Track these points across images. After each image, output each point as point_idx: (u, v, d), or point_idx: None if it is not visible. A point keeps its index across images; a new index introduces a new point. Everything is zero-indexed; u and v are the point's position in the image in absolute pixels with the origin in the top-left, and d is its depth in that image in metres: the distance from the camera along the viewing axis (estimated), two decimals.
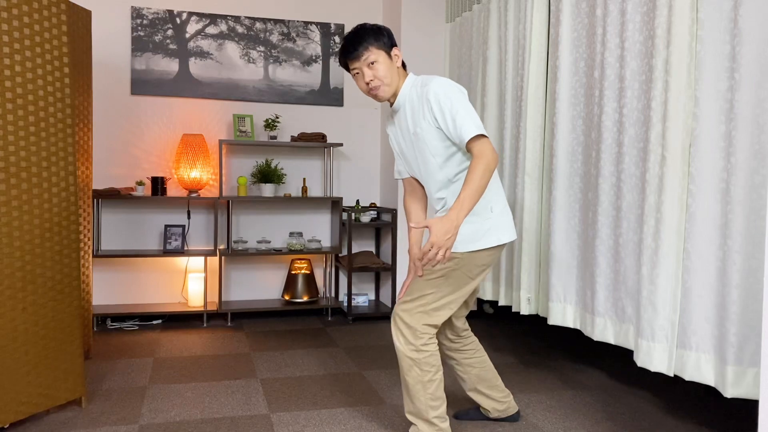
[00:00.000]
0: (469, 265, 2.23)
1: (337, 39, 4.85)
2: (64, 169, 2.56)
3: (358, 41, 2.18)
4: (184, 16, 4.53)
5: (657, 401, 2.94)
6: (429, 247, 1.96)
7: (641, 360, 2.41)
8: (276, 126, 4.58)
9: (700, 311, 2.24)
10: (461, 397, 2.92)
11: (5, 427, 2.43)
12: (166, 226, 4.47)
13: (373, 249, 4.99)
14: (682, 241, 2.30)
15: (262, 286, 4.77)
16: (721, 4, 2.17)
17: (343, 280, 4.90)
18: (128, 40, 4.44)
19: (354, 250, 4.89)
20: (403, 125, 2.30)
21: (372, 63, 2.19)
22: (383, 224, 4.62)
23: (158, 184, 4.31)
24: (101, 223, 4.43)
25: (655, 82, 2.38)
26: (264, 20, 4.70)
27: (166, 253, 4.34)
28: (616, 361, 3.57)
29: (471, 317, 4.47)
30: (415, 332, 2.20)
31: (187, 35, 4.54)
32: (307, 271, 4.60)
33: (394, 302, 4.54)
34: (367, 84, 2.21)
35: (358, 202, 4.76)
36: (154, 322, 4.41)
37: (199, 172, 4.38)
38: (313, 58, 4.80)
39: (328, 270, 4.86)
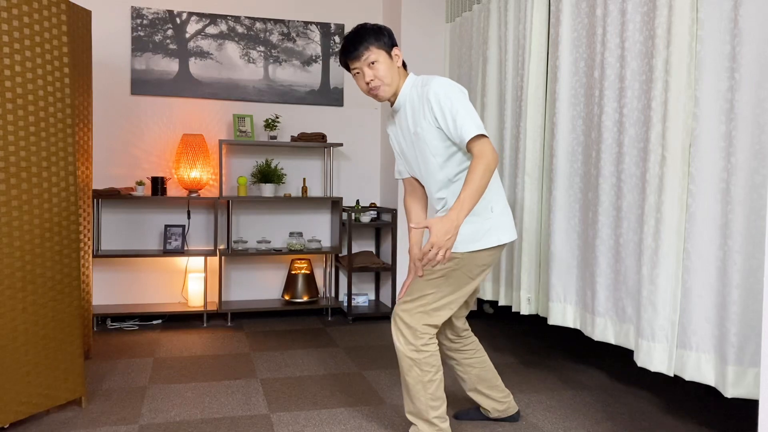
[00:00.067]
0: (469, 265, 2.23)
1: (337, 39, 4.85)
2: (64, 169, 2.56)
3: (358, 41, 2.18)
4: (184, 16, 4.53)
5: (657, 401, 2.94)
6: (429, 248, 1.96)
7: (641, 360, 2.41)
8: (276, 126, 4.58)
9: (701, 311, 2.24)
10: (461, 397, 2.92)
11: (5, 427, 2.43)
12: (166, 226, 4.47)
13: (373, 249, 4.99)
14: (682, 241, 2.30)
15: (262, 286, 4.77)
16: (721, 4, 2.17)
17: (343, 280, 4.90)
18: (128, 40, 4.44)
19: (354, 250, 4.89)
20: (403, 125, 2.30)
21: (372, 63, 2.19)
22: (383, 224, 4.62)
23: (158, 184, 4.31)
24: (101, 223, 4.43)
25: (656, 82, 2.38)
26: (264, 20, 4.70)
27: (166, 253, 4.34)
28: (616, 361, 3.57)
29: (471, 317, 4.47)
30: (416, 332, 2.20)
31: (187, 35, 4.54)
32: (307, 271, 4.60)
33: (394, 302, 4.54)
34: (368, 84, 2.21)
35: (358, 202, 4.76)
36: (154, 322, 4.41)
37: (199, 172, 4.38)
38: (313, 58, 4.80)
39: (328, 270, 4.86)
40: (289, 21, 4.75)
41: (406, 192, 2.50)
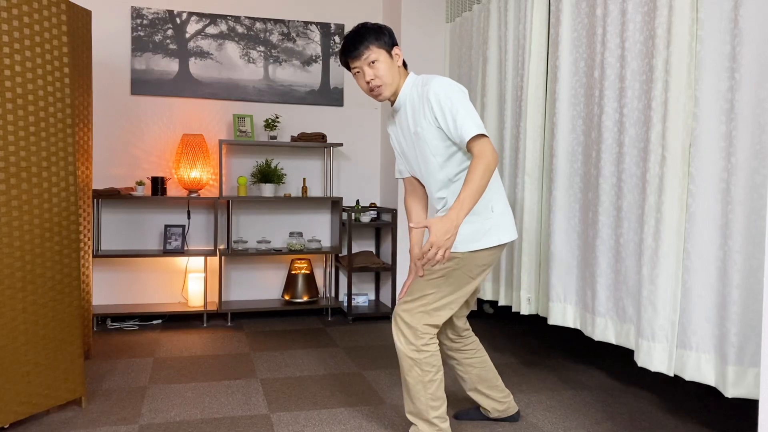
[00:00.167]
0: (469, 264, 2.23)
1: (337, 39, 4.85)
2: (64, 169, 2.56)
3: (359, 40, 2.19)
4: (184, 16, 4.53)
5: (657, 401, 2.94)
6: (428, 247, 1.96)
7: (642, 360, 2.41)
8: (276, 126, 4.58)
9: (701, 311, 2.24)
10: (461, 397, 2.92)
11: (5, 427, 2.43)
12: (166, 226, 4.47)
13: (373, 249, 4.99)
14: (683, 241, 2.30)
15: (262, 286, 4.77)
16: (721, 4, 2.17)
17: (343, 280, 4.90)
18: (128, 40, 4.44)
19: (354, 250, 4.89)
20: (403, 125, 2.30)
21: (373, 62, 2.19)
22: (383, 224, 4.62)
23: (158, 184, 4.31)
24: (101, 223, 4.43)
25: (656, 82, 2.38)
26: (264, 20, 4.70)
27: (166, 253, 4.34)
28: (616, 361, 3.57)
29: (471, 317, 4.47)
30: (416, 332, 2.20)
31: (187, 35, 4.54)
32: (307, 271, 4.60)
33: (394, 302, 4.54)
34: (368, 83, 2.21)
35: (358, 202, 4.76)
36: (154, 322, 4.41)
37: (199, 172, 4.38)
38: (313, 58, 4.80)
39: (328, 270, 4.86)
40: (289, 21, 4.75)
41: (406, 192, 2.50)
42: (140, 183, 4.32)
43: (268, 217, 4.76)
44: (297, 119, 4.80)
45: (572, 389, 3.07)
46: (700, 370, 2.24)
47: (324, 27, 4.82)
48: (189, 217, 4.59)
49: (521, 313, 3.29)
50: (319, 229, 4.88)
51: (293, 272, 4.59)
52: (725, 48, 2.16)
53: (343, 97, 4.88)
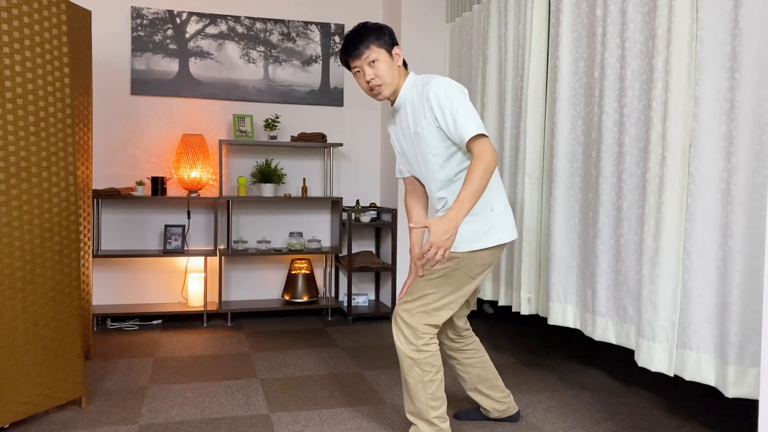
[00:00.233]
0: (469, 264, 2.22)
1: (337, 39, 4.85)
2: (64, 169, 2.56)
3: (359, 39, 2.19)
4: (184, 16, 4.53)
5: (657, 401, 2.94)
6: (428, 247, 1.96)
7: (642, 360, 2.41)
8: (276, 126, 4.58)
9: (701, 311, 2.24)
10: (461, 397, 2.91)
11: (5, 427, 2.43)
12: (166, 226, 4.47)
13: (373, 249, 4.99)
14: (683, 241, 2.30)
15: (262, 286, 4.77)
16: (721, 4, 2.17)
17: (343, 280, 4.90)
18: (128, 40, 4.44)
19: (354, 250, 4.89)
20: (404, 124, 2.30)
21: (373, 61, 2.19)
22: (383, 224, 4.62)
23: (158, 184, 4.31)
24: (101, 223, 4.43)
25: (656, 82, 2.38)
26: (264, 20, 4.70)
27: (166, 253, 4.34)
28: (616, 361, 3.57)
29: (471, 317, 4.47)
30: (416, 332, 2.20)
31: (187, 35, 4.54)
32: (307, 271, 4.60)
33: (394, 302, 4.54)
34: (368, 82, 2.21)
35: (358, 202, 4.75)
36: (154, 322, 4.41)
37: (199, 172, 4.38)
38: (313, 58, 4.80)
39: (328, 270, 4.86)
40: (289, 21, 4.75)
41: (406, 191, 2.50)
42: (140, 183, 4.32)
43: (268, 217, 4.76)
44: (297, 119, 4.80)
45: (572, 389, 3.07)
46: (701, 370, 2.24)
47: (324, 27, 4.82)
48: (189, 217, 4.59)
49: (521, 313, 3.29)
50: (319, 229, 4.88)
51: (293, 272, 4.59)
52: (725, 48, 2.16)
53: (343, 97, 4.88)
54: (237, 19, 4.64)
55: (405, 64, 2.30)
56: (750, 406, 2.90)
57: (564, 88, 2.97)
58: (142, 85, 4.46)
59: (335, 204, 4.67)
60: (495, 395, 2.56)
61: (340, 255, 4.73)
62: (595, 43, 2.77)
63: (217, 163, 4.58)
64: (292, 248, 4.53)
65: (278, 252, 4.45)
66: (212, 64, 4.60)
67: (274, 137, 4.57)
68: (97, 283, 4.44)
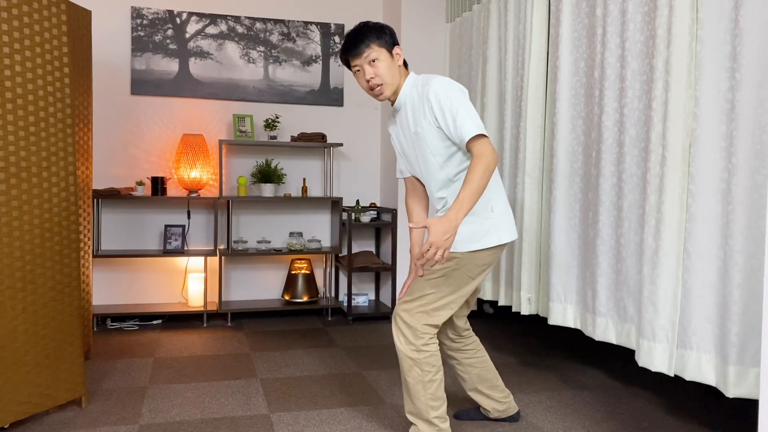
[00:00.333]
0: (469, 264, 2.22)
1: (337, 39, 4.85)
2: (64, 169, 2.56)
3: (360, 39, 2.19)
4: (184, 16, 4.53)
5: (657, 401, 2.94)
6: (427, 247, 1.96)
7: (642, 360, 2.41)
8: (276, 126, 4.58)
9: (701, 311, 2.24)
10: (461, 397, 2.91)
11: (5, 427, 2.43)
12: (166, 226, 4.47)
13: (373, 249, 4.99)
14: (683, 240, 2.30)
15: (262, 286, 4.77)
16: (721, 4, 2.17)
17: (343, 280, 4.90)
18: (128, 40, 4.44)
19: (354, 250, 4.89)
20: (404, 124, 2.29)
21: (373, 61, 2.18)
22: (383, 224, 4.62)
23: (158, 184, 4.31)
24: (101, 223, 4.43)
25: (656, 82, 2.38)
26: (264, 20, 4.70)
27: (166, 253, 4.34)
28: (617, 361, 3.57)
29: (471, 317, 4.47)
30: (416, 332, 2.20)
31: (187, 35, 4.54)
32: (307, 271, 4.60)
33: (394, 302, 4.54)
34: (368, 81, 2.21)
35: (358, 202, 4.75)
36: (154, 322, 4.41)
37: (199, 172, 4.38)
38: (313, 58, 4.80)
39: (328, 270, 4.86)
40: (289, 21, 4.75)
41: (407, 191, 2.50)
42: (140, 183, 4.32)
43: (268, 217, 4.76)
44: (297, 119, 4.80)
45: (572, 389, 3.07)
46: (701, 370, 2.24)
47: (324, 27, 4.82)
48: (189, 217, 4.59)
49: (521, 313, 3.29)
50: (319, 229, 4.88)
51: (293, 272, 4.59)
52: (726, 48, 2.16)
53: (343, 97, 4.88)
54: (237, 19, 4.64)
55: (405, 64, 2.30)
56: (750, 406, 2.90)
57: (564, 88, 2.97)
58: (142, 85, 4.46)
59: (335, 204, 4.67)
60: (495, 395, 2.55)
61: (340, 255, 4.73)
62: (595, 43, 2.77)
63: (217, 163, 4.58)
64: (292, 248, 4.53)
65: (278, 252, 4.45)
66: (212, 64, 4.60)
67: (274, 137, 4.57)
68: (97, 283, 4.44)
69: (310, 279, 4.60)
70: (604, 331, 2.70)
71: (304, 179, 4.66)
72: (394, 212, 4.55)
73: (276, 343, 3.87)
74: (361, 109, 4.94)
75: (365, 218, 4.64)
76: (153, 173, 4.51)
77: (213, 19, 4.59)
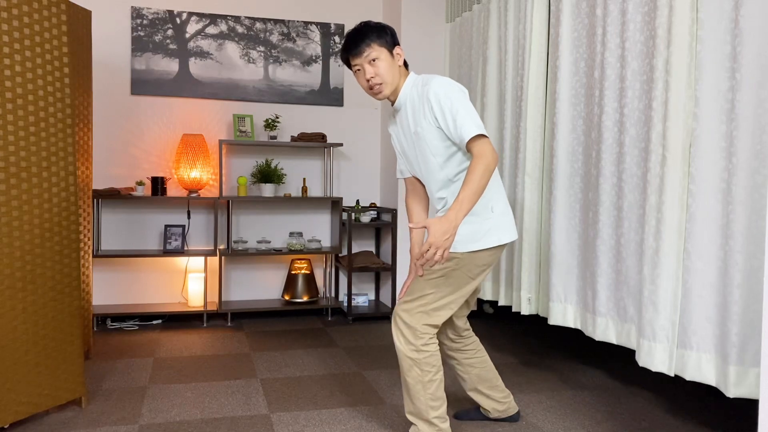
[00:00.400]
0: (469, 265, 2.22)
1: (337, 39, 4.85)
2: (64, 169, 2.56)
3: (360, 38, 2.19)
4: (184, 16, 4.53)
5: (657, 401, 2.94)
6: (427, 247, 1.96)
7: (643, 360, 2.41)
8: (276, 126, 4.58)
9: (701, 311, 2.24)
10: (461, 397, 2.91)
11: (5, 427, 2.43)
12: (166, 226, 4.47)
13: (373, 249, 4.99)
14: (683, 240, 2.30)
15: (262, 286, 4.77)
16: (721, 4, 2.17)
17: (343, 280, 4.90)
18: (128, 40, 4.44)
19: (354, 250, 4.89)
20: (404, 124, 2.29)
21: (373, 60, 2.18)
22: (383, 224, 4.62)
23: (158, 184, 4.31)
24: (101, 223, 4.43)
25: (656, 82, 2.38)
26: (264, 20, 4.70)
27: (166, 253, 4.34)
28: (617, 361, 3.57)
29: (471, 317, 4.47)
30: (416, 332, 2.20)
31: (187, 35, 4.54)
32: (307, 271, 4.60)
33: (394, 302, 4.54)
34: (368, 81, 2.21)
35: (358, 202, 4.75)
36: (154, 322, 4.41)
37: (199, 172, 4.38)
38: (313, 58, 4.80)
39: (328, 270, 4.86)
40: (289, 21, 4.75)
41: (407, 191, 2.50)
42: (140, 183, 4.32)
43: (268, 217, 4.76)
44: (297, 119, 4.80)
45: (572, 389, 3.07)
46: (701, 370, 2.24)
47: (324, 27, 4.82)
48: (189, 217, 4.59)
49: (521, 313, 3.29)
50: (319, 229, 4.88)
51: (293, 272, 4.59)
52: (726, 48, 2.15)
53: (343, 97, 4.88)
54: (237, 19, 4.64)
55: (406, 64, 2.30)
56: (750, 406, 2.90)
57: (564, 88, 2.97)
58: (142, 85, 4.46)
59: (335, 204, 4.67)
60: (495, 395, 2.55)
61: (340, 255, 4.73)
62: (595, 43, 2.77)
63: (217, 163, 4.58)
64: (292, 248, 4.53)
65: (278, 252, 4.45)
66: (212, 64, 4.60)
67: (274, 137, 4.57)
68: (97, 283, 4.44)
69: (310, 279, 4.60)
70: (605, 331, 2.70)
71: (304, 179, 4.66)
72: (394, 212, 4.55)
73: (276, 343, 3.87)
74: (361, 109, 4.94)
75: (365, 218, 4.64)
76: (153, 173, 4.51)
77: (213, 19, 4.59)
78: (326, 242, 4.89)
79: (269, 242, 4.63)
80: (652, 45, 2.41)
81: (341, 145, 4.57)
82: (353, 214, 4.64)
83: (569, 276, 2.95)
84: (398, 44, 2.25)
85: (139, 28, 4.44)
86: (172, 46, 4.51)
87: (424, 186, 2.46)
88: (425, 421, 2.24)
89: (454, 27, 4.40)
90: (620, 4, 2.60)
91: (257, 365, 3.40)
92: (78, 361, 2.66)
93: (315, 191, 4.86)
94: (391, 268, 4.55)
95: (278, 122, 4.67)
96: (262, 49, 4.69)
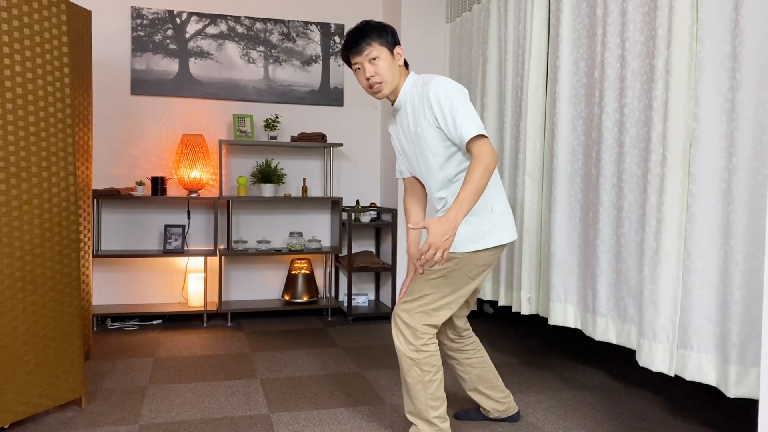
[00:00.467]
0: (469, 265, 2.22)
1: (337, 39, 4.85)
2: (64, 169, 2.56)
3: (361, 36, 2.18)
4: (184, 16, 4.53)
5: (657, 401, 2.93)
6: (427, 248, 1.96)
7: (643, 360, 2.41)
8: (276, 126, 4.58)
9: (701, 311, 2.24)
10: (461, 397, 2.91)
11: (5, 427, 2.43)
12: (166, 226, 4.46)
13: (373, 249, 4.99)
14: (683, 241, 2.30)
15: (262, 286, 4.77)
16: (721, 5, 2.16)
17: (343, 280, 4.90)
18: (128, 40, 4.44)
19: (354, 250, 4.89)
20: (404, 124, 2.29)
21: (374, 59, 2.18)
22: (383, 224, 4.62)
23: (158, 184, 4.31)
24: (101, 223, 4.43)
25: (656, 82, 2.38)
26: (264, 20, 4.70)
27: (166, 253, 4.34)
28: (617, 361, 3.57)
29: (471, 317, 4.47)
30: (415, 332, 2.20)
31: (187, 35, 4.54)
32: (307, 271, 4.60)
33: (394, 302, 4.54)
34: (368, 79, 2.21)
35: (358, 202, 4.75)
36: (154, 322, 4.41)
37: (199, 172, 4.38)
38: (313, 58, 4.80)
39: (328, 270, 4.86)
40: (289, 21, 4.75)
41: (405, 191, 2.50)
42: (140, 183, 4.31)
43: (268, 217, 4.76)
44: (297, 119, 4.80)
45: (572, 389, 3.07)
46: (702, 370, 2.24)
47: (324, 27, 4.82)
48: (189, 217, 4.59)
49: (522, 313, 3.29)
50: (319, 229, 4.88)
51: (293, 272, 4.59)
52: (726, 48, 2.15)
53: (343, 97, 4.88)
54: (237, 19, 4.64)
55: (406, 64, 2.30)
56: (750, 406, 2.90)
57: (564, 88, 2.97)
58: (142, 85, 4.46)
59: (335, 204, 4.67)
60: (495, 395, 2.55)
61: (340, 255, 4.73)
62: (595, 43, 2.77)
63: (217, 163, 4.58)
64: (292, 248, 4.53)
65: (278, 252, 4.45)
66: (212, 64, 4.59)
67: (274, 137, 4.57)
68: (97, 283, 4.44)
69: (310, 279, 4.60)
70: (605, 331, 2.70)
71: (304, 179, 4.65)
72: (394, 212, 4.55)
73: (276, 343, 3.87)
74: (361, 109, 4.94)
75: (365, 218, 4.64)
76: (153, 173, 4.51)
77: (213, 19, 4.59)
78: (326, 242, 4.89)
79: (269, 242, 4.63)
80: (652, 45, 2.41)
81: (341, 145, 4.57)
82: (353, 214, 4.64)
83: (569, 276, 2.95)
84: (399, 44, 2.25)
85: (139, 28, 4.44)
86: (172, 46, 4.51)
87: (422, 186, 2.46)
88: (425, 421, 2.24)
89: (454, 27, 4.40)
90: (620, 4, 2.60)
91: (257, 365, 3.40)
92: (78, 361, 2.66)
93: (315, 191, 4.86)
94: (391, 268, 4.55)
95: (278, 122, 4.67)
96: (262, 49, 4.69)
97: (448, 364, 2.58)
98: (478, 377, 2.52)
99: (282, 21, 4.73)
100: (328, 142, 4.68)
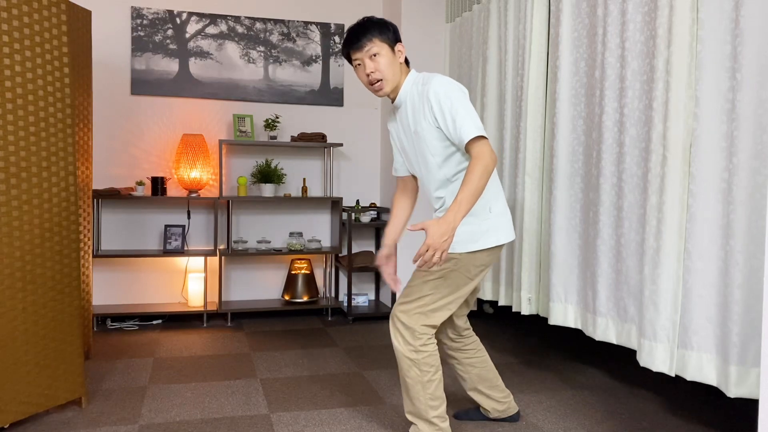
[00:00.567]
0: (467, 265, 2.22)
1: (337, 39, 4.85)
2: (64, 169, 2.56)
3: (362, 32, 2.18)
4: (184, 16, 4.53)
5: (658, 401, 2.93)
6: (425, 249, 1.96)
7: (643, 360, 2.41)
8: (276, 126, 4.58)
9: (702, 311, 2.24)
10: (461, 397, 2.91)
11: (5, 427, 2.43)
12: (166, 226, 4.46)
13: (373, 249, 4.99)
14: (684, 241, 2.30)
15: (262, 286, 4.77)
16: (721, 4, 2.16)
17: (343, 280, 4.90)
18: (128, 40, 4.44)
19: (354, 250, 4.89)
20: (404, 122, 2.29)
21: (374, 55, 2.17)
22: (383, 224, 4.62)
23: (158, 184, 4.31)
24: (101, 223, 4.43)
25: (657, 82, 2.38)
26: (264, 20, 4.69)
27: (166, 253, 4.34)
28: (617, 361, 3.57)
29: (471, 317, 4.47)
30: (414, 333, 2.20)
31: (187, 35, 4.54)
32: (307, 271, 4.60)
33: (393, 302, 4.54)
34: (368, 76, 2.20)
35: (358, 202, 4.75)
36: (154, 322, 4.41)
37: (199, 172, 4.38)
38: (313, 58, 4.80)
39: (328, 270, 4.86)
40: (289, 21, 4.75)
41: (397, 189, 2.52)
42: (140, 183, 4.31)
43: (268, 217, 4.76)
44: (297, 119, 4.80)
45: (572, 389, 3.07)
46: (702, 370, 2.24)
47: (324, 27, 4.82)
48: (189, 217, 4.59)
49: (522, 313, 3.29)
50: (319, 229, 4.88)
51: (293, 272, 4.59)
52: (726, 48, 2.15)
53: (343, 97, 4.88)
54: (237, 19, 4.64)
55: (407, 61, 2.30)
56: (751, 406, 2.90)
57: (564, 88, 2.97)
58: (142, 85, 4.46)
59: (335, 204, 4.67)
60: (495, 395, 2.55)
61: (340, 255, 4.73)
62: (595, 43, 2.77)
63: (217, 163, 4.58)
64: (292, 248, 4.53)
65: (278, 252, 4.45)
66: (212, 64, 4.59)
67: (274, 137, 4.57)
68: (97, 283, 4.44)
69: (310, 279, 4.60)
70: (605, 331, 2.70)
71: (304, 179, 4.65)
72: None
73: (276, 343, 3.87)
74: (361, 109, 4.93)
75: (365, 218, 4.64)
76: (153, 173, 4.51)
77: (213, 19, 4.59)
78: (326, 242, 4.89)
79: (269, 242, 4.63)
80: (652, 45, 2.41)
81: (341, 145, 4.57)
82: (353, 214, 4.64)
83: (570, 276, 2.95)
84: (400, 41, 2.24)
85: (139, 28, 4.44)
86: (172, 46, 4.51)
87: (416, 187, 2.49)
88: (425, 421, 2.24)
89: (454, 27, 4.39)
90: (620, 4, 2.60)
91: (257, 365, 3.40)
92: (78, 361, 2.66)
93: (315, 191, 4.86)
94: None
95: (278, 122, 4.67)
96: (262, 49, 4.69)
97: (448, 364, 2.58)
98: (478, 377, 2.52)
99: (282, 21, 4.73)
100: (328, 142, 4.68)
